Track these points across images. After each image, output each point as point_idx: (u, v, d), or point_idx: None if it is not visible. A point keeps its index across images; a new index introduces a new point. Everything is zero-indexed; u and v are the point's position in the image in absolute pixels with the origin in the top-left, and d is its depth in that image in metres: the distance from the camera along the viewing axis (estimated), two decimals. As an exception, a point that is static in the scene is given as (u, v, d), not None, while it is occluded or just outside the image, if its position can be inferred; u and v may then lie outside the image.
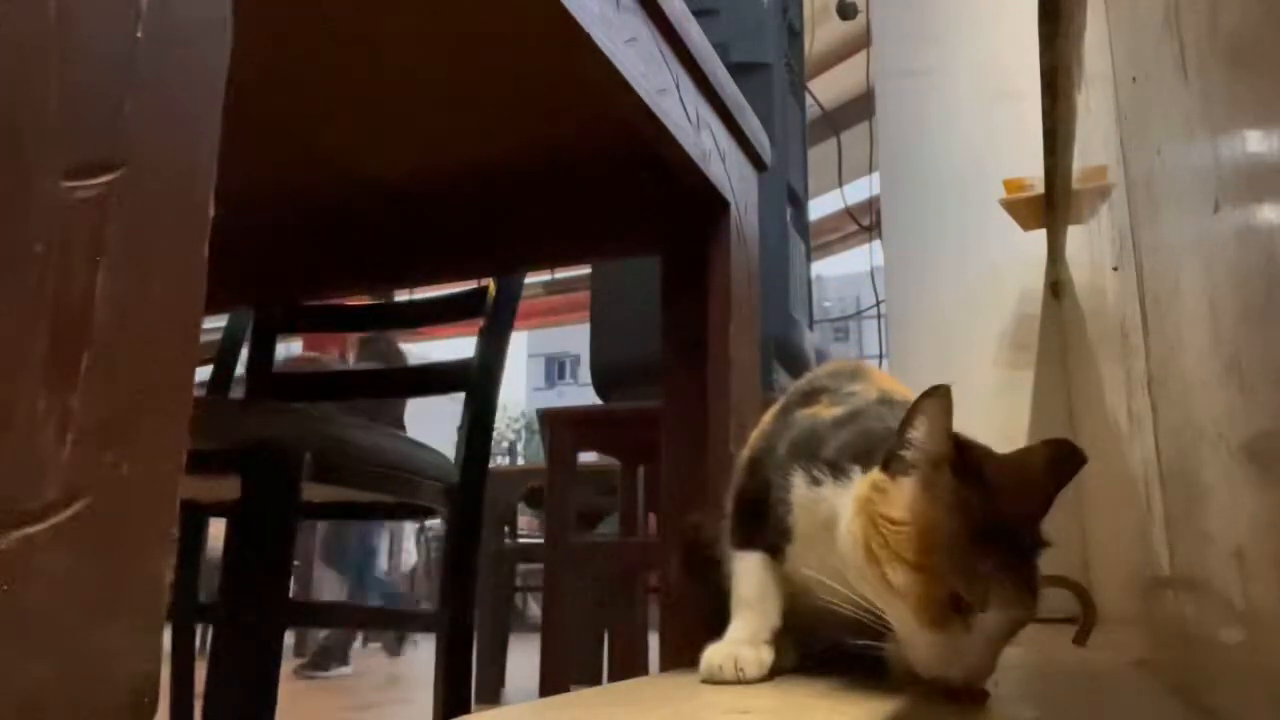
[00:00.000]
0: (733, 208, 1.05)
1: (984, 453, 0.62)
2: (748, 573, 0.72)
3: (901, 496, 0.60)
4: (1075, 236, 1.63)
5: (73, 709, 0.28)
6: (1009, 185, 1.75)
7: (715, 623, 0.74)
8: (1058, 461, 0.62)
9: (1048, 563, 0.61)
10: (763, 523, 0.71)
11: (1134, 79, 0.81)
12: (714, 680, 0.68)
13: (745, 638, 0.70)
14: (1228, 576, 0.57)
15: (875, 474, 0.62)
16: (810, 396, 0.76)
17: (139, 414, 0.30)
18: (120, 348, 0.30)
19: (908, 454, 0.60)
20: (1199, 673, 0.67)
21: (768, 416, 0.81)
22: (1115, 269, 1.01)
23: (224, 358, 1.54)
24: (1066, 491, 0.62)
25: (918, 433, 0.60)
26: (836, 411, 0.71)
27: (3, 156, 0.27)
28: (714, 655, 0.69)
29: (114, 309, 0.29)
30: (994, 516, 0.58)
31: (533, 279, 5.61)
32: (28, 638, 0.27)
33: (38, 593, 0.27)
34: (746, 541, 0.73)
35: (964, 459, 0.60)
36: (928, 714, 0.59)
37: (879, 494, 0.61)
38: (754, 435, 0.80)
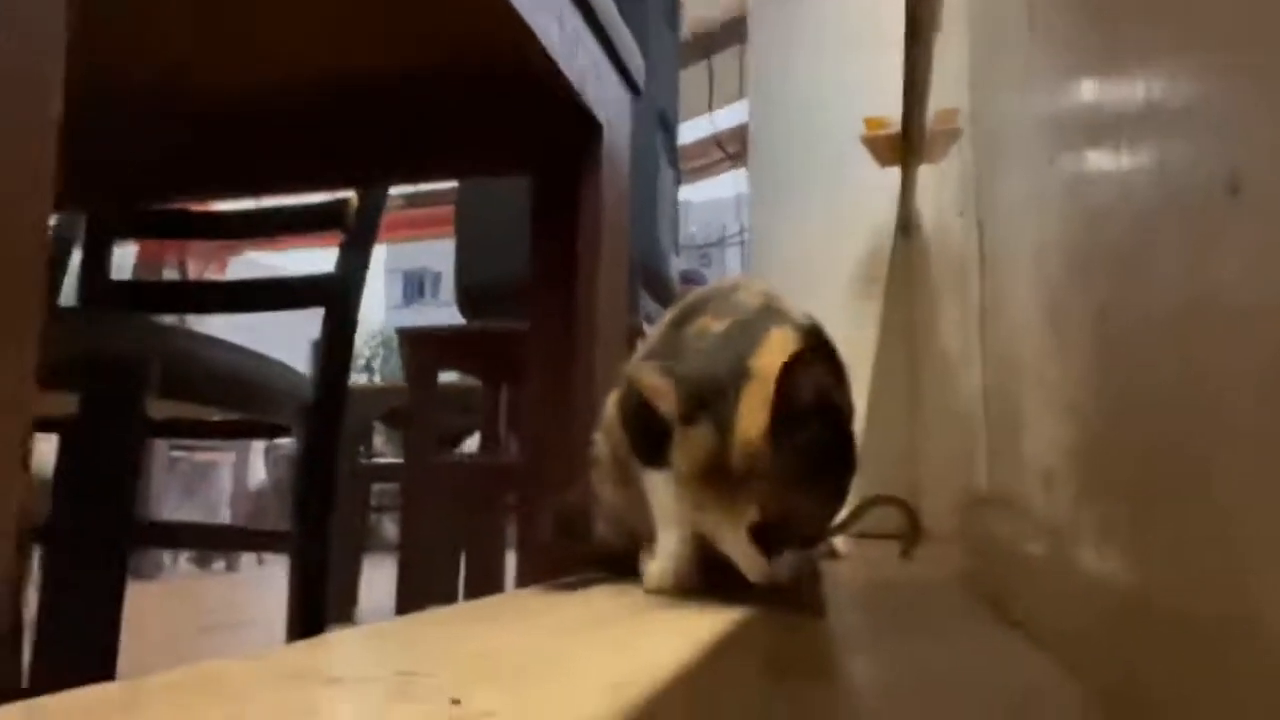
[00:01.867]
0: (605, 130, 1.05)
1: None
2: (663, 490, 0.73)
3: None
4: (927, 178, 1.71)
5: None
6: (870, 123, 1.81)
7: (596, 567, 0.79)
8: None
9: (884, 486, 0.67)
10: (660, 439, 0.72)
11: (985, 29, 0.85)
12: (659, 591, 0.72)
13: (678, 552, 0.73)
14: (1037, 497, 0.63)
15: None
16: (697, 309, 0.77)
17: (-17, 327, 0.29)
18: (-40, 257, 0.28)
19: None
20: (1008, 584, 0.74)
21: (658, 330, 0.82)
22: (960, 214, 1.08)
23: (54, 263, 1.43)
24: (902, 419, 0.67)
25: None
26: (722, 326, 0.73)
27: None
28: (654, 568, 0.73)
29: (-48, 215, 0.28)
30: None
31: (393, 191, 5.40)
32: None
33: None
34: (654, 459, 0.73)
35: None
36: (766, 624, 0.64)
37: None
38: (642, 349, 0.81)
